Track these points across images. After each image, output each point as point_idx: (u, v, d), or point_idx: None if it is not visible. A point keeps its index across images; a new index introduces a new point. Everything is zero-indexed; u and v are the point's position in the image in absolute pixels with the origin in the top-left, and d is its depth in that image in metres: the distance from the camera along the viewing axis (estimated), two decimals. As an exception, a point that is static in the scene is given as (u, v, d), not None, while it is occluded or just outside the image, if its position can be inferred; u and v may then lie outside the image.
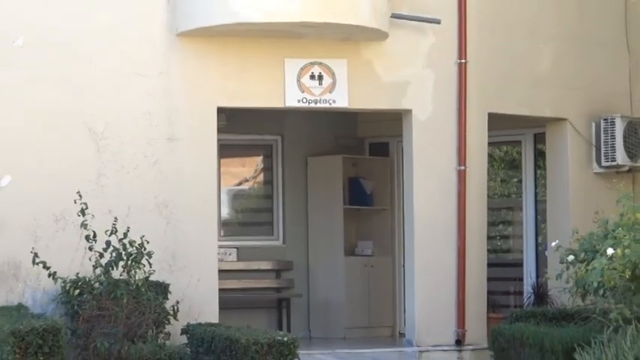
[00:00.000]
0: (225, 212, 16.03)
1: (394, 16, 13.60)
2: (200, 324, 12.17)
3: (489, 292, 14.64)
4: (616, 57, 15.87)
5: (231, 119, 14.13)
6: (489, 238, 15.02)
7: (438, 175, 14.17)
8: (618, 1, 15.92)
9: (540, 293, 15.40)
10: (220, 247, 14.05)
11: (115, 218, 11.16)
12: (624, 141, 15.27)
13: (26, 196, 12.67)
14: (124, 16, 13.11)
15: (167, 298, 12.06)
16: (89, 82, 13.00)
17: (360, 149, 16.83)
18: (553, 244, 12.01)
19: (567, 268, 10.69)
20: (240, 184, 16.62)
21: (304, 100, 13.66)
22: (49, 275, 11.24)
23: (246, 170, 16.69)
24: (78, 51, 12.99)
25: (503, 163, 16.94)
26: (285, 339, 11.03)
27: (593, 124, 15.41)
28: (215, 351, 11.30)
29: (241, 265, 15.59)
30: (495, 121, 14.63)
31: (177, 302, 11.89)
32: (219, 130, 13.55)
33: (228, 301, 13.61)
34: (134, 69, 13.15)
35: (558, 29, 15.19)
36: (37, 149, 12.81)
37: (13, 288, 12.47)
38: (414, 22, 13.85)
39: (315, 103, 13.73)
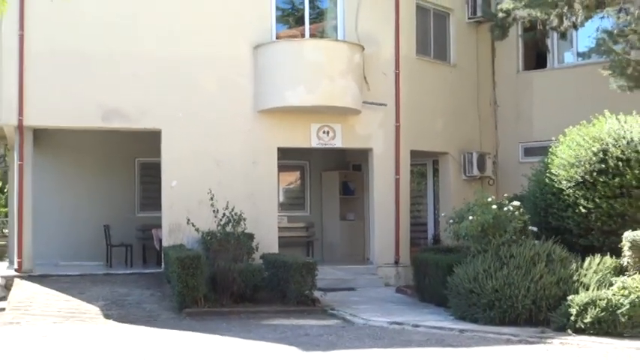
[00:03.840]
0: (281, 198, 15.86)
1: (364, 102, 13.63)
2: (269, 253, 12.15)
3: (411, 238, 14.60)
4: (472, 121, 15.84)
5: (284, 153, 14.14)
6: (411, 211, 14.96)
7: (386, 180, 14.14)
8: (472, 89, 15.87)
9: (436, 239, 15.41)
10: (279, 216, 13.90)
11: (227, 202, 11.16)
12: (477, 163, 15.33)
13: (184, 191, 12.75)
14: (232, 100, 13.13)
15: (252, 241, 11.99)
16: (214, 135, 13.06)
17: (348, 167, 16.73)
18: (442, 214, 12.08)
19: (449, 226, 10.69)
20: (288, 185, 16.52)
21: (320, 144, 13.67)
22: (196, 230, 11.25)
23: (292, 178, 16.54)
24: (207, 120, 13.04)
25: (418, 174, 16.92)
26: (311, 261, 11.09)
27: (462, 155, 15.43)
28: (276, 266, 11.31)
29: (289, 225, 15.38)
30: (414, 154, 14.64)
31: (258, 243, 11.88)
32: (278, 158, 13.53)
33: (282, 243, 13.57)
34: (236, 129, 13.19)
35: (445, 107, 15.07)
36: (189, 168, 12.90)
37: (177, 236, 12.57)
38: (373, 105, 13.85)
39: (325, 145, 13.74)
